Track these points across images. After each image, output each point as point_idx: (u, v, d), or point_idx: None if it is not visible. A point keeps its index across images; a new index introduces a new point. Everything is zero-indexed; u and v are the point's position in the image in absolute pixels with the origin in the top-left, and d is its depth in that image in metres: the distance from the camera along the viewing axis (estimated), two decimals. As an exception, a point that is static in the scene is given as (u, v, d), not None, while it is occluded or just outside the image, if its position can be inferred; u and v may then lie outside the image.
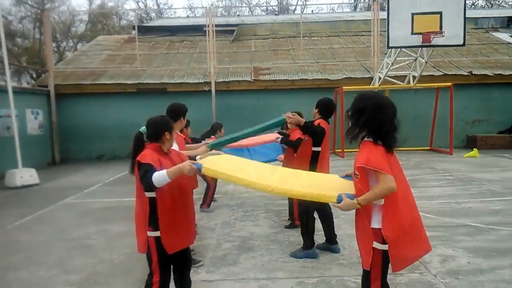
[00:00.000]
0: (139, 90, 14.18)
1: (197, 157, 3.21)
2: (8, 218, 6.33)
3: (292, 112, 4.17)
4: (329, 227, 4.36)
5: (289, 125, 4.77)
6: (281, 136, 4.94)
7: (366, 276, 2.46)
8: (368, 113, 2.39)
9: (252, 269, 3.95)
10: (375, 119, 2.38)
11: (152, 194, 2.60)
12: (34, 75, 29.43)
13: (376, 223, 2.35)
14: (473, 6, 35.64)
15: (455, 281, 3.55)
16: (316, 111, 4.28)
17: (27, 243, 5.09)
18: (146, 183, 2.50)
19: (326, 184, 2.82)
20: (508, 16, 20.22)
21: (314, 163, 4.10)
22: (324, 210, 4.33)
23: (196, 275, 3.84)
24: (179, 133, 3.96)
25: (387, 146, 2.42)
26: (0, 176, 10.26)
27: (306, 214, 4.21)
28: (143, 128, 2.75)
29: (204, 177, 5.59)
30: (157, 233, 2.60)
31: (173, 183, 2.58)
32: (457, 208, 6.03)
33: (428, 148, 13.68)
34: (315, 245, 4.26)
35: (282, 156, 5.25)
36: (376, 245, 2.34)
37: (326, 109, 4.26)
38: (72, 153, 14.24)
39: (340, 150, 12.56)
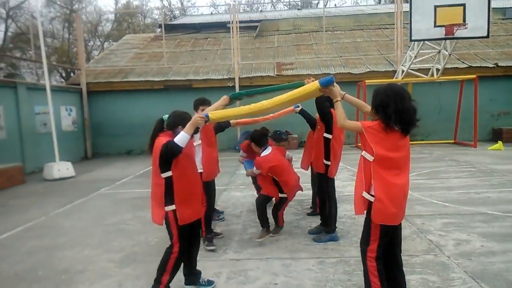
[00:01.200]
0: (166, 86, 14.70)
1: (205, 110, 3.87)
2: (50, 206, 6.88)
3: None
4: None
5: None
6: (300, 106, 4.81)
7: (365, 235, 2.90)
8: (393, 104, 2.69)
9: (276, 250, 4.27)
10: (403, 109, 2.69)
11: (168, 174, 3.07)
12: (64, 74, 30.62)
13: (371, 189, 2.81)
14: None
15: (467, 262, 3.76)
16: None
17: (69, 227, 5.58)
18: (171, 147, 2.97)
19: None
20: (538, 6, 19.62)
21: (327, 150, 4.30)
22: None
23: (225, 255, 4.20)
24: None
25: (406, 132, 2.76)
26: (38, 170, 10.99)
27: (329, 199, 4.47)
28: (165, 116, 3.25)
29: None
30: (173, 207, 3.09)
31: (186, 163, 3.14)
32: (476, 197, 6.15)
33: (453, 141, 13.59)
34: (336, 229, 4.52)
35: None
36: (365, 194, 2.81)
37: None
38: (103, 148, 14.95)
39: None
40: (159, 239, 4.74)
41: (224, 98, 3.89)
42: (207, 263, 3.96)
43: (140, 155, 14.27)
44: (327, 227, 4.52)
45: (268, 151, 4.58)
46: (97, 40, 35.50)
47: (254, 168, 4.57)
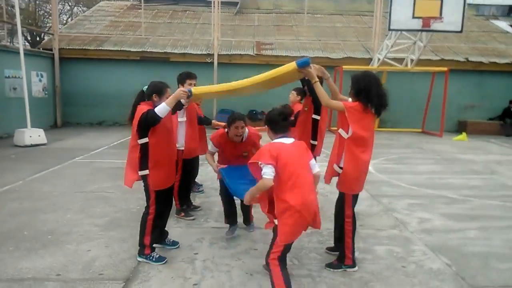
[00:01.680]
0: (143, 58, 14.45)
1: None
2: (25, 172, 6.82)
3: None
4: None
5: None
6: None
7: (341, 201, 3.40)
8: (375, 89, 3.15)
9: (256, 221, 4.50)
10: (382, 93, 3.18)
11: (144, 140, 3.25)
12: (29, 38, 29.21)
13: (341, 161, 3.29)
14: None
15: (428, 237, 4.15)
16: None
17: (48, 193, 5.60)
18: (151, 116, 3.15)
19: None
20: (509, 5, 20.45)
21: (314, 131, 4.52)
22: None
23: (206, 223, 4.41)
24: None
25: (378, 114, 3.23)
26: (6, 135, 10.72)
27: None
28: (145, 88, 3.42)
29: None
30: (147, 172, 3.30)
31: (163, 133, 3.30)
32: (440, 182, 6.63)
33: (420, 130, 14.24)
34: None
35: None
36: (335, 167, 3.33)
37: None
38: (74, 117, 14.62)
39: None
40: (140, 206, 4.87)
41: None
42: (190, 230, 4.17)
43: (112, 127, 14.11)
44: None
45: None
46: (66, 4, 33.94)
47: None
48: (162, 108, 3.15)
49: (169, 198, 3.70)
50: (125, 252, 3.65)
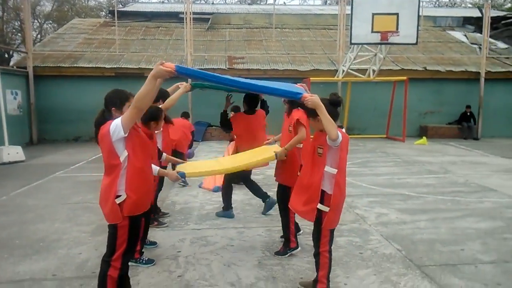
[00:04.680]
0: (117, 74, 14.75)
1: (177, 166, 3.86)
2: (8, 187, 7.05)
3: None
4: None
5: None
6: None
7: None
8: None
9: (231, 221, 5.00)
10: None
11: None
12: (-2, 56, 28.82)
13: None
14: (437, 2, 37.75)
15: (384, 228, 4.74)
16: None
17: (33, 206, 5.89)
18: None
19: (260, 153, 4.17)
20: (463, 16, 21.92)
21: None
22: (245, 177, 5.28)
23: (187, 226, 4.85)
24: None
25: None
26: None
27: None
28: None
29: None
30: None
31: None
32: (397, 182, 7.30)
33: (385, 136, 15.10)
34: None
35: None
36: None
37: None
38: (49, 134, 14.71)
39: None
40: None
41: (186, 86, 4.27)
42: (171, 232, 4.60)
43: (89, 142, 14.24)
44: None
45: None
46: (35, 20, 33.68)
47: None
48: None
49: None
50: (114, 253, 4.04)
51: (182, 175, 3.42)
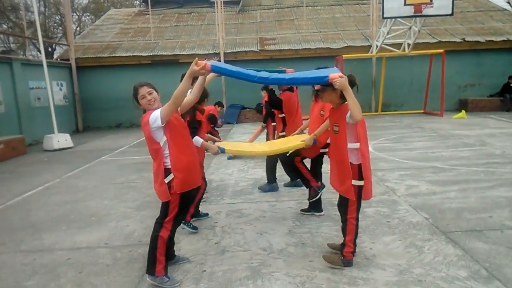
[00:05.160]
0: (154, 61, 15.30)
1: (216, 143, 4.20)
2: (60, 171, 7.70)
3: None
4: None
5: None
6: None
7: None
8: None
9: (265, 196, 5.27)
10: None
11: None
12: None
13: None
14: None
15: (413, 199, 4.84)
16: None
17: (83, 186, 6.44)
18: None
19: (291, 141, 4.46)
20: (507, -18, 20.66)
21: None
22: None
23: (222, 200, 5.17)
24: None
25: None
26: (35, 142, 11.68)
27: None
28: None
29: None
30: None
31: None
32: (431, 155, 7.27)
33: (422, 111, 14.77)
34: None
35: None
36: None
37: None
38: (93, 122, 15.61)
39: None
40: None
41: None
42: (209, 206, 4.93)
43: (130, 128, 15.00)
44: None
45: None
46: (74, 14, 35.04)
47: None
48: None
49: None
50: (157, 225, 4.44)
51: (222, 150, 3.81)
